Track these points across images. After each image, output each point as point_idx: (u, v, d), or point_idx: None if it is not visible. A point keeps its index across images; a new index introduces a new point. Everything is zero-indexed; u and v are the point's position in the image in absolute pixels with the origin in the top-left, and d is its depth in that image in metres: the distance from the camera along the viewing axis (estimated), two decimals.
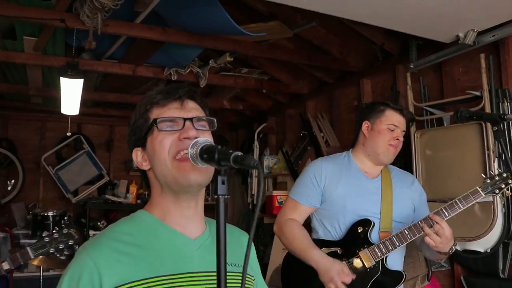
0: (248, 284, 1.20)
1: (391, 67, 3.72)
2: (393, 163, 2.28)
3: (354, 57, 4.06)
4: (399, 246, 2.01)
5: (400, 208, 2.14)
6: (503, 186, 1.93)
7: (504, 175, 1.94)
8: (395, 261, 2.11)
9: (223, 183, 0.92)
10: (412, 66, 3.24)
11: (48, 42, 3.76)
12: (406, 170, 2.63)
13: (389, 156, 2.17)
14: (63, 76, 3.26)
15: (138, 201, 6.03)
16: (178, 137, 1.11)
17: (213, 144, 1.03)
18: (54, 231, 2.09)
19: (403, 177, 2.30)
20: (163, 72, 4.40)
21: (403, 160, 3.06)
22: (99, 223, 5.60)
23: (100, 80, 5.00)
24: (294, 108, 5.26)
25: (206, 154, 0.98)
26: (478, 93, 2.65)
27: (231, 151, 0.92)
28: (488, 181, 1.95)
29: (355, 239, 2.09)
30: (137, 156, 1.18)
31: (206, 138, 1.08)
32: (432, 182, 2.88)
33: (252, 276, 1.26)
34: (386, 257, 2.05)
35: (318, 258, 2.03)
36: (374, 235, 2.09)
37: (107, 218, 5.79)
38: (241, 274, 1.14)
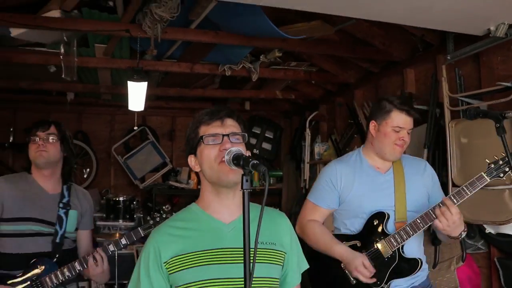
0: (274, 258, 1.53)
1: (432, 57, 3.85)
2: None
3: (396, 48, 4.21)
4: (412, 235, 2.14)
5: (413, 197, 2.25)
6: (507, 169, 1.99)
7: (507, 158, 1.98)
8: (412, 249, 2.23)
9: (247, 180, 1.27)
10: (449, 58, 3.37)
11: (116, 48, 4.24)
12: (440, 159, 2.80)
13: (395, 154, 2.28)
14: (130, 80, 3.71)
15: (199, 187, 6.50)
16: (219, 148, 1.47)
17: (241, 153, 1.37)
18: (158, 215, 2.53)
19: (415, 164, 2.39)
20: (218, 68, 4.77)
21: (438, 150, 3.22)
22: (164, 207, 6.10)
23: (161, 77, 5.46)
24: (342, 97, 5.47)
25: (235, 160, 1.33)
26: (509, 84, 2.78)
27: (250, 159, 1.26)
28: (492, 165, 2.01)
29: (372, 231, 2.24)
30: (191, 161, 1.57)
31: (238, 148, 1.42)
32: (466, 170, 3.02)
33: (284, 252, 1.58)
34: (403, 246, 2.18)
35: (342, 252, 2.22)
36: (390, 226, 2.22)
37: (171, 203, 6.30)
38: (273, 250, 1.51)
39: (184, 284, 1.44)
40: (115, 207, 5.68)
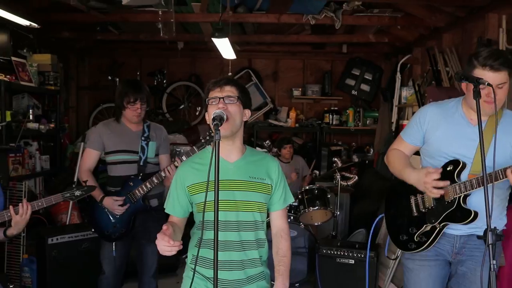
0: (262, 188, 2.10)
1: None
2: None
3: None
4: (476, 188, 2.19)
5: (496, 154, 2.04)
6: None
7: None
8: (477, 203, 2.24)
9: (217, 134, 1.77)
10: None
11: (209, 4, 4.83)
12: None
13: (485, 111, 2.20)
14: (213, 37, 4.32)
15: (297, 125, 7.07)
16: (217, 107, 2.00)
17: (219, 115, 1.89)
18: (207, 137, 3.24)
19: None
20: (302, 18, 5.12)
21: None
22: (264, 143, 6.80)
23: (257, 25, 5.96)
24: (433, 41, 5.43)
25: (213, 120, 1.86)
26: None
27: (215, 121, 1.81)
28: None
29: (445, 175, 2.30)
30: (206, 117, 2.12)
31: (221, 111, 1.93)
32: None
33: (270, 185, 2.12)
34: (466, 196, 2.26)
35: (410, 173, 2.41)
36: (463, 176, 2.28)
37: (271, 139, 6.95)
38: (258, 183, 2.05)
39: (198, 203, 2.08)
40: None
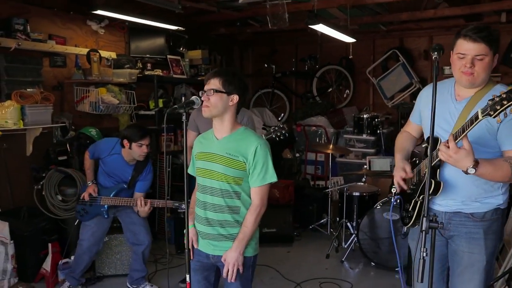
0: (234, 164, 2.44)
1: None
2: None
3: None
4: (436, 160, 2.22)
5: (472, 132, 2.08)
6: (497, 107, 1.85)
7: (504, 95, 1.84)
8: (451, 174, 2.29)
9: (186, 119, 2.27)
10: None
11: None
12: None
13: (463, 82, 2.25)
14: (308, 24, 4.59)
15: None
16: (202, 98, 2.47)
17: (189, 99, 2.36)
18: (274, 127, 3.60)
19: None
20: None
21: None
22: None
23: (386, 5, 5.86)
24: None
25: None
26: None
27: (177, 105, 2.28)
28: (490, 102, 1.89)
29: (426, 151, 2.40)
30: None
31: (196, 97, 2.38)
32: None
33: (244, 162, 2.46)
34: (436, 168, 2.27)
35: (397, 159, 2.58)
36: None
37: None
38: (231, 159, 2.44)
39: (197, 168, 2.58)
40: (359, 123, 6.65)
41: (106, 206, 3.84)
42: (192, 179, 2.60)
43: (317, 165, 7.05)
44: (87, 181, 3.97)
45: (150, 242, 4.02)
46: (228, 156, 2.45)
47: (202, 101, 2.43)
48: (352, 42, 7.38)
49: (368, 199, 5.21)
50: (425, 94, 2.53)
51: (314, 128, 7.17)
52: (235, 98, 2.48)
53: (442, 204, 2.39)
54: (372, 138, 6.65)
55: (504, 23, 6.13)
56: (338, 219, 5.48)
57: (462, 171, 2.07)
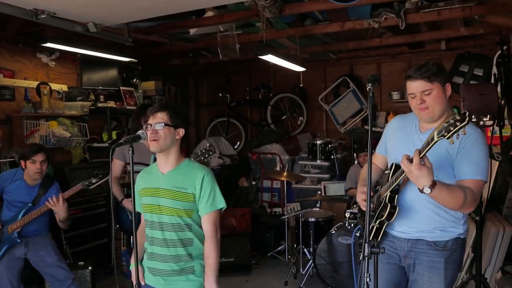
0: (183, 197, 2.44)
1: None
2: None
3: None
4: (393, 184, 2.31)
5: (430, 157, 2.12)
6: (451, 129, 1.89)
7: (458, 117, 1.88)
8: (410, 200, 2.38)
9: (132, 152, 2.26)
10: None
11: (273, 23, 5.22)
12: None
13: (423, 118, 2.36)
14: (257, 55, 4.72)
15: None
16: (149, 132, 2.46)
17: (137, 134, 2.38)
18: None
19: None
20: (365, 23, 5.11)
21: None
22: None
23: (334, 34, 6.09)
24: None
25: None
26: None
27: (122, 141, 2.27)
28: (445, 124, 1.93)
29: (386, 178, 2.48)
30: None
31: (142, 131, 2.39)
32: None
33: (192, 194, 2.46)
34: (397, 194, 2.37)
35: (358, 188, 2.62)
36: None
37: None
38: (180, 192, 2.43)
39: (143, 204, 2.54)
40: (312, 149, 6.79)
41: (15, 232, 3.67)
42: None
43: (274, 192, 7.11)
44: None
45: (72, 276, 3.89)
46: (176, 190, 2.45)
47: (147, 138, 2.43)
48: (304, 70, 7.60)
49: (324, 224, 5.29)
50: (392, 125, 2.63)
51: (269, 155, 7.26)
52: (181, 131, 2.51)
53: (403, 231, 2.45)
54: (326, 163, 6.80)
55: (444, 50, 6.49)
56: (295, 245, 5.52)
57: (418, 189, 2.10)
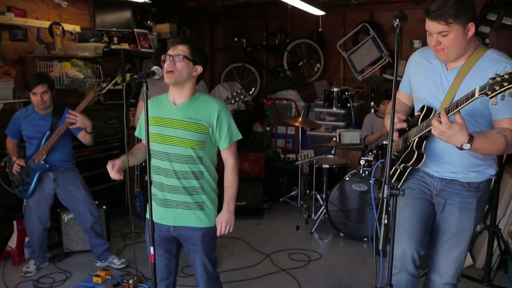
0: (196, 128, 2.40)
1: None
2: None
3: None
4: (424, 130, 2.19)
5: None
6: (496, 88, 1.79)
7: (506, 76, 1.77)
8: (435, 147, 2.30)
9: (146, 87, 2.18)
10: None
11: None
12: None
13: (440, 57, 2.24)
14: None
15: None
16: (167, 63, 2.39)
17: (152, 70, 2.28)
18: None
19: (490, 65, 2.15)
20: None
21: None
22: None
23: None
24: None
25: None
26: None
27: (136, 76, 2.20)
28: (490, 81, 1.82)
29: (416, 120, 2.36)
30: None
31: (156, 67, 2.32)
32: None
33: (207, 126, 2.43)
34: (426, 139, 2.27)
35: (386, 119, 2.70)
36: None
37: (386, 94, 6.73)
38: (193, 123, 2.40)
39: (152, 133, 2.44)
40: (329, 96, 6.68)
41: (42, 160, 3.76)
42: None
43: (288, 138, 7.07)
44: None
45: (97, 216, 3.99)
46: (189, 121, 2.41)
47: (163, 71, 2.36)
48: (323, 16, 7.37)
49: (338, 171, 5.28)
50: (415, 60, 2.44)
51: (284, 102, 7.17)
52: (199, 69, 2.45)
53: (438, 170, 2.38)
54: (342, 111, 6.70)
55: None
56: (308, 191, 5.54)
57: (456, 147, 2.02)
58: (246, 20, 7.78)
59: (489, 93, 1.81)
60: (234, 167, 2.53)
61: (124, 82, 5.47)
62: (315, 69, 7.43)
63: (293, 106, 7.09)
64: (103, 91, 3.71)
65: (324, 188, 5.17)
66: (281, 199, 5.86)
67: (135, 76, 2.27)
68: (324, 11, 6.35)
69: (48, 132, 3.75)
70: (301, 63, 7.50)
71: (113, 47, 5.47)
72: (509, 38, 3.40)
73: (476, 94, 1.87)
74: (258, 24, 7.88)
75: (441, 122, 1.97)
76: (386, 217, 1.95)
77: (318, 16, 7.35)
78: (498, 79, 1.79)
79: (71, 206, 3.95)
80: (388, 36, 7.19)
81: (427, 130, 2.18)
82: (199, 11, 7.44)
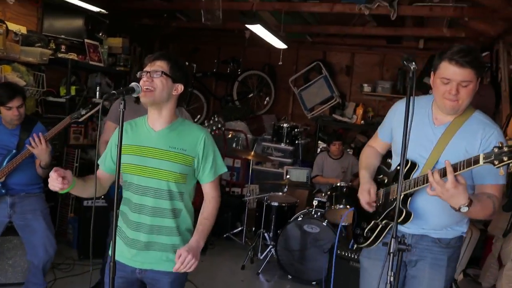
0: (181, 159, 2.14)
1: None
2: None
3: None
4: (415, 187, 2.09)
5: (448, 158, 1.96)
6: (505, 159, 1.74)
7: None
8: (421, 203, 2.19)
9: (124, 106, 1.86)
10: None
11: None
12: None
13: (446, 109, 2.11)
14: (246, 24, 4.40)
15: (362, 122, 6.80)
16: (143, 80, 2.11)
17: (130, 87, 1.98)
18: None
19: (479, 127, 2.11)
20: (356, 8, 4.93)
21: None
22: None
23: (318, 16, 5.87)
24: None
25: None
26: None
27: (115, 92, 1.89)
28: (496, 150, 1.77)
29: (398, 174, 2.17)
30: None
31: (136, 83, 2.03)
32: None
33: (192, 157, 2.16)
34: (408, 196, 2.16)
35: (362, 176, 2.42)
36: (415, 176, 2.16)
37: (336, 134, 6.79)
38: (177, 153, 2.10)
39: (126, 163, 2.16)
40: (278, 132, 6.59)
41: None
42: None
43: (233, 171, 6.86)
44: None
45: (52, 254, 3.37)
46: (173, 151, 2.14)
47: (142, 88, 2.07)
48: (277, 50, 7.35)
49: (287, 210, 5.14)
50: (400, 110, 2.27)
51: (232, 133, 6.98)
52: (180, 88, 2.19)
53: (409, 227, 2.26)
54: (290, 148, 6.63)
55: (421, 49, 6.46)
56: (254, 228, 5.33)
57: (452, 207, 1.92)
58: (198, 45, 7.58)
59: (496, 162, 1.77)
60: (217, 199, 2.29)
61: (67, 95, 5.02)
62: (265, 102, 7.35)
63: (240, 138, 6.91)
64: (81, 119, 3.17)
65: (272, 227, 5.00)
66: (224, 235, 5.59)
67: (113, 91, 1.96)
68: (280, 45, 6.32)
69: (14, 151, 3.21)
70: (251, 94, 7.39)
71: (60, 55, 5.01)
72: (478, 92, 3.48)
73: (481, 162, 1.80)
74: (211, 50, 7.72)
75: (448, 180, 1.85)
76: (392, 275, 1.83)
77: (271, 50, 7.33)
78: (506, 149, 1.75)
79: (26, 237, 3.34)
80: (339, 77, 7.32)
81: (422, 186, 2.06)
82: (152, 29, 7.12)
